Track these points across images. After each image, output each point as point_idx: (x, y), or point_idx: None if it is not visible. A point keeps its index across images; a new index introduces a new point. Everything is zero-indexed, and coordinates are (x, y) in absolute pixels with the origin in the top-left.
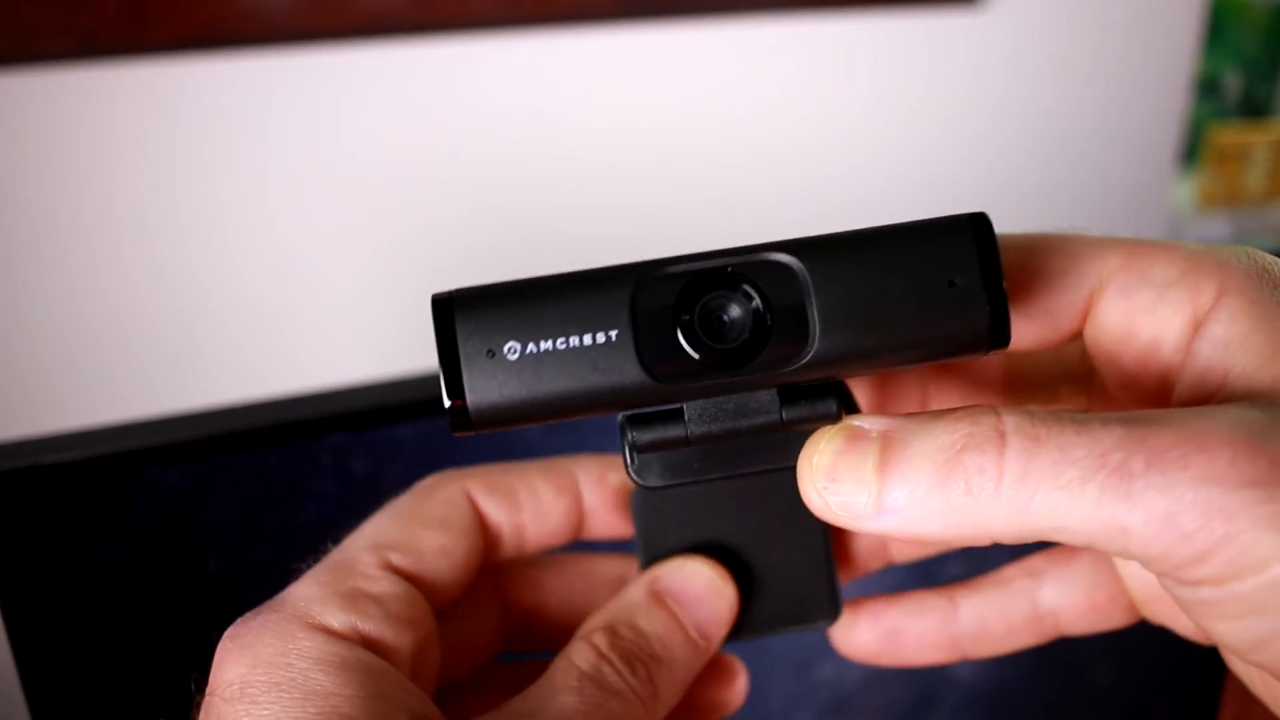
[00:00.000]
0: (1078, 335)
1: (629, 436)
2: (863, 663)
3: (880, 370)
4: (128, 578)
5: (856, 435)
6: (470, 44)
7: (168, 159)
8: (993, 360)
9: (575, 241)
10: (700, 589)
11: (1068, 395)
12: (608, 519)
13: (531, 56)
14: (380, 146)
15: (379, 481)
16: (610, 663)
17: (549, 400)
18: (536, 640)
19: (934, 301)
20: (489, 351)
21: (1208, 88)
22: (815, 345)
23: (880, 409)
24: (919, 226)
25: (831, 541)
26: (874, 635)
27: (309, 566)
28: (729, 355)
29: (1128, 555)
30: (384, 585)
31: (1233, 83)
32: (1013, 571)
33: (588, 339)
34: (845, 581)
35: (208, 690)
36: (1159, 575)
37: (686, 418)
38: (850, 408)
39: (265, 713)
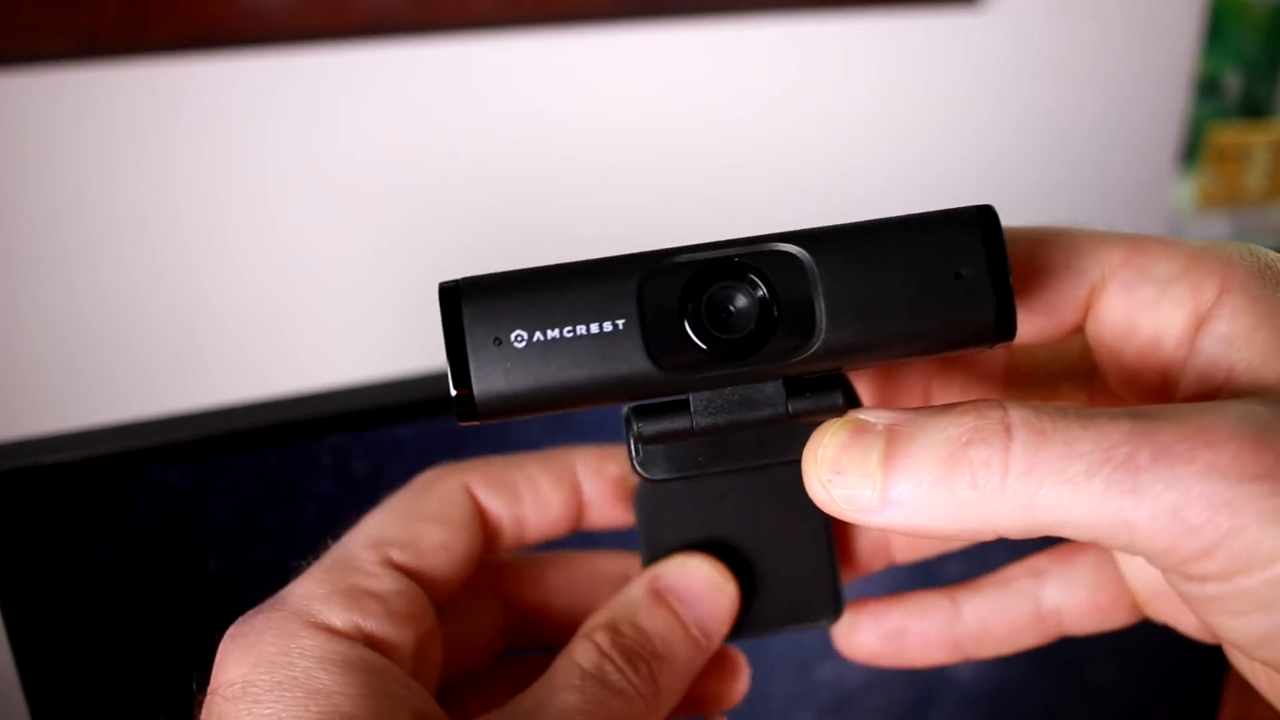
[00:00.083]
0: (1079, 329)
1: (634, 428)
2: (865, 664)
3: (885, 362)
4: (128, 578)
5: (862, 428)
6: (470, 44)
7: (168, 159)
8: (994, 356)
9: (575, 242)
10: (701, 587)
11: (1069, 391)
12: (607, 509)
13: (531, 56)
14: (380, 146)
15: (379, 481)
16: (612, 661)
17: (555, 389)
18: (539, 637)
19: (940, 293)
20: (496, 340)
21: (1208, 88)
22: (822, 336)
23: (882, 404)
24: (926, 218)
25: (834, 540)
26: (877, 636)
27: (309, 564)
28: (735, 345)
29: (1133, 550)
30: (385, 582)
31: (1233, 83)
32: (1015, 571)
33: (595, 328)
34: (847, 581)
35: (209, 689)
36: (1164, 571)
37: (692, 409)
38: (853, 401)
39: (267, 712)
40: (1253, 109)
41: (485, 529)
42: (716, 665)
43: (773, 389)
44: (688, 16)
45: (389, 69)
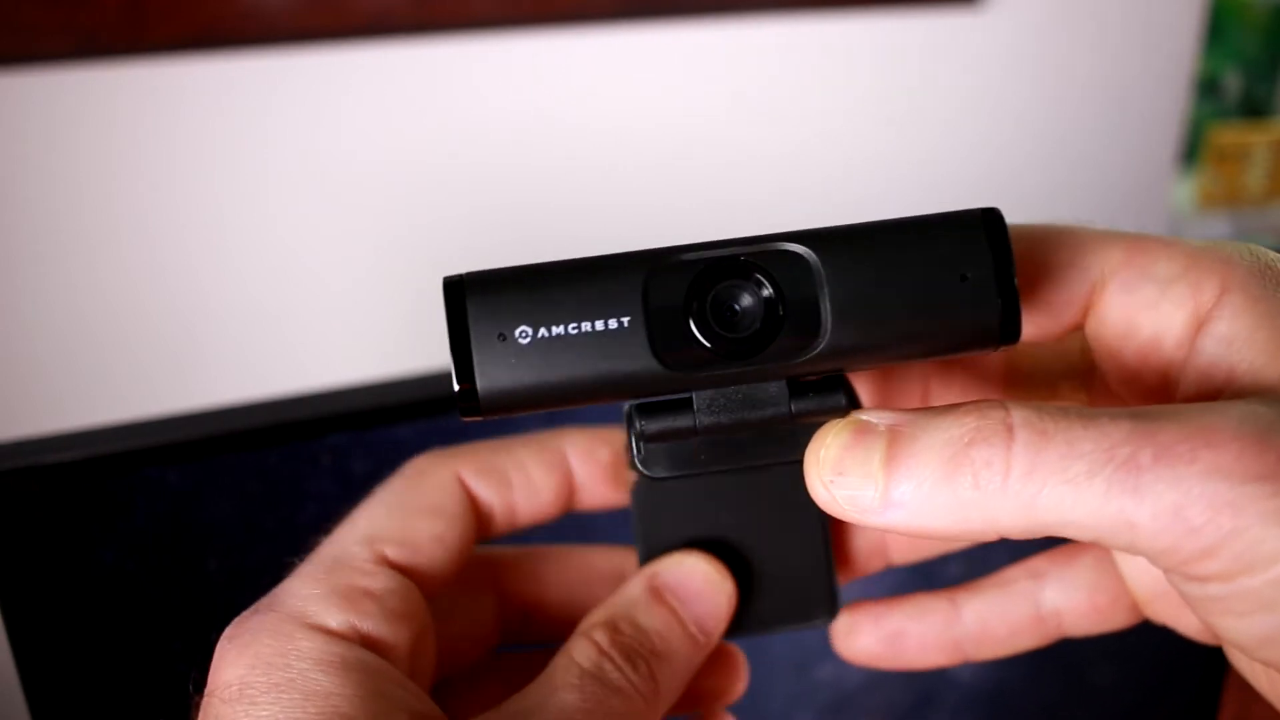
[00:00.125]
0: (1078, 328)
1: (637, 425)
2: (865, 666)
3: (889, 363)
4: (128, 578)
5: (864, 429)
6: (470, 44)
7: (168, 159)
8: (994, 356)
9: (575, 242)
10: (698, 584)
11: (1068, 391)
12: (598, 491)
13: (531, 56)
14: (380, 146)
15: (379, 481)
16: (611, 659)
17: (559, 386)
18: (534, 632)
19: (945, 295)
20: (500, 335)
21: (1208, 88)
22: (827, 336)
23: (882, 404)
24: (932, 220)
25: (830, 539)
26: (876, 638)
27: (301, 561)
28: (740, 345)
29: (1135, 550)
30: (380, 581)
31: (1233, 83)
32: (1015, 573)
33: (599, 325)
34: (844, 582)
35: (206, 691)
36: (1166, 571)
37: (695, 407)
38: (853, 403)
39: (264, 713)
40: (1253, 109)
41: (477, 517)
42: (715, 661)
43: (776, 389)
44: (688, 16)
45: (389, 69)
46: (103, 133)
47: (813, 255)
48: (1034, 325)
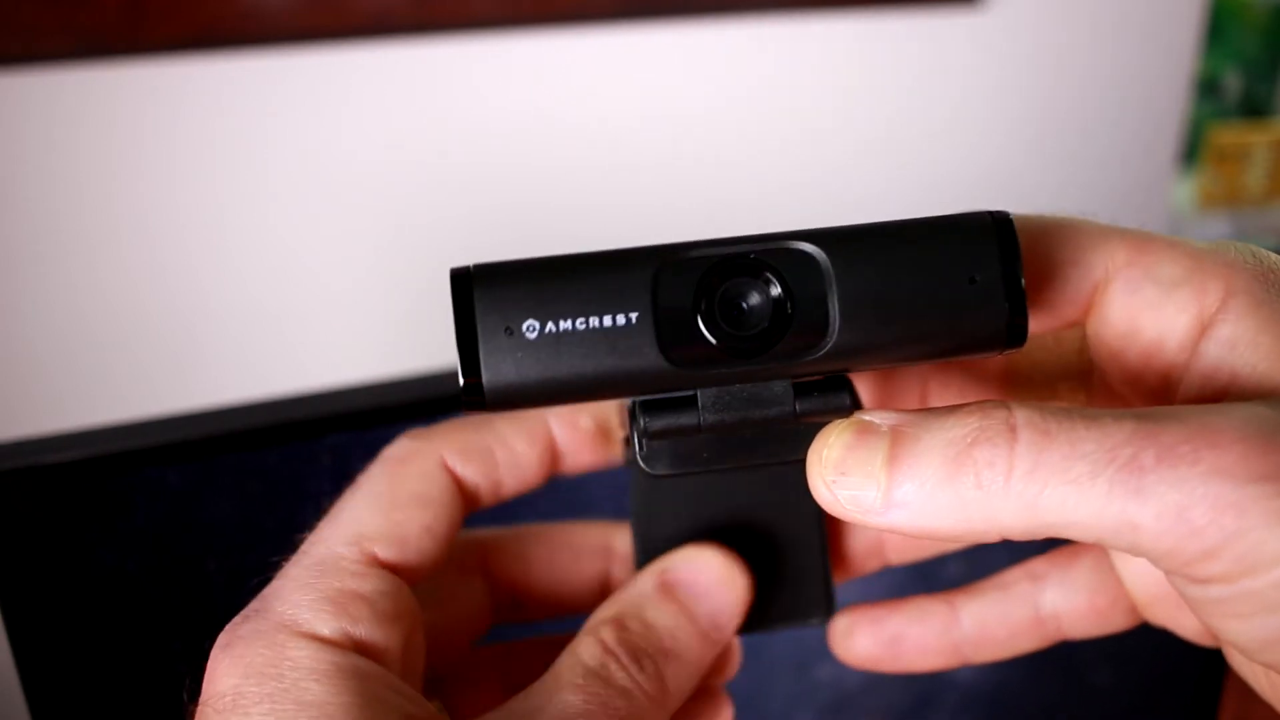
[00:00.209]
0: (1078, 324)
1: (640, 422)
2: (864, 669)
3: (895, 365)
4: (128, 578)
5: (867, 429)
6: (470, 44)
7: (168, 159)
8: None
9: (575, 241)
10: (711, 579)
11: (1067, 390)
12: (582, 457)
13: (531, 56)
14: (380, 146)
15: None
16: (617, 658)
17: (565, 381)
18: (525, 612)
19: (953, 297)
20: (507, 329)
21: (1208, 88)
22: (834, 336)
23: (881, 403)
24: (942, 222)
25: (827, 539)
26: (875, 642)
27: (287, 560)
28: (747, 343)
29: (1137, 551)
30: (371, 583)
31: (1233, 83)
32: (1014, 575)
33: (608, 320)
34: (840, 582)
35: (201, 700)
36: (1169, 573)
37: (700, 405)
38: (855, 404)
39: None
40: (1253, 109)
41: (463, 498)
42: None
43: (781, 388)
44: (688, 16)
45: (389, 69)
46: (103, 133)
47: (822, 254)
48: (1034, 321)
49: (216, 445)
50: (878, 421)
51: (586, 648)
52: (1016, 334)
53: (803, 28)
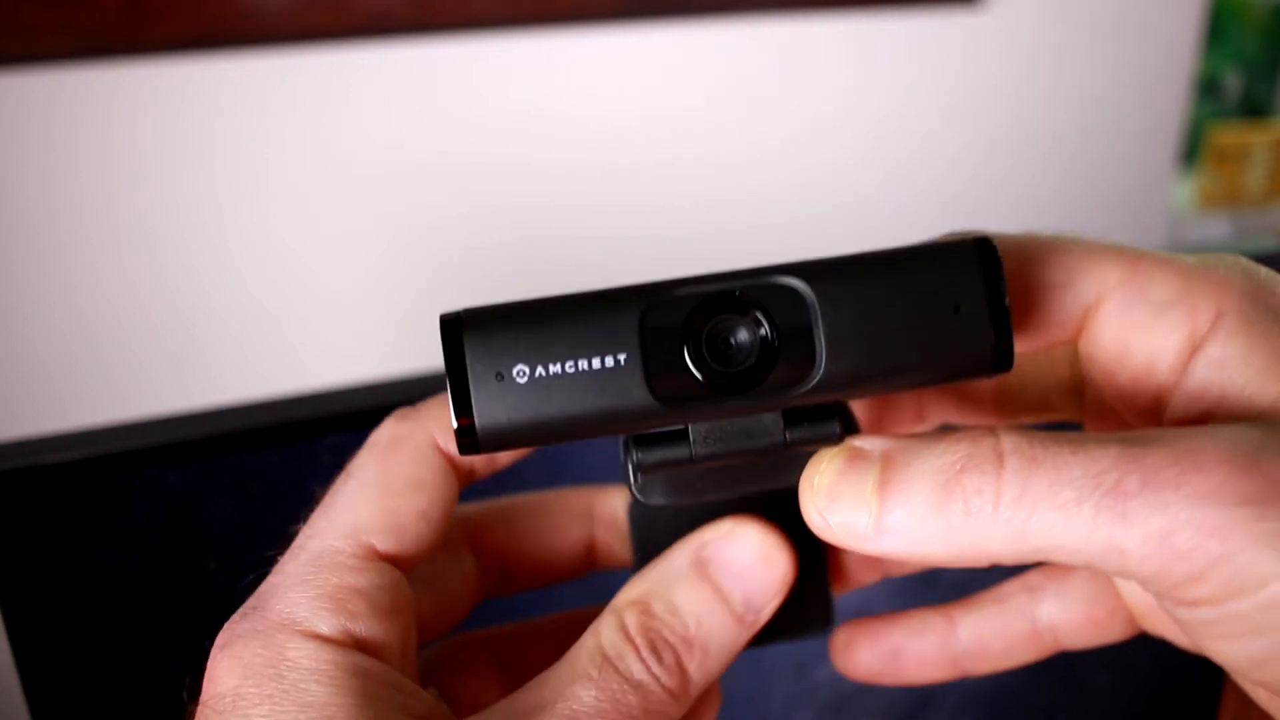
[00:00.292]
0: (1069, 343)
1: (634, 456)
2: (864, 682)
3: (883, 394)
4: (128, 578)
5: (857, 456)
6: (470, 44)
7: (168, 159)
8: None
9: (575, 241)
10: (751, 559)
11: (1060, 404)
12: None
13: (531, 56)
14: (380, 146)
15: None
16: (636, 649)
17: (556, 423)
18: (513, 584)
19: (939, 327)
20: (498, 374)
21: (1208, 88)
22: (821, 370)
23: (876, 422)
24: (925, 251)
25: (826, 552)
26: (874, 655)
27: (282, 554)
28: (735, 379)
29: (1125, 575)
30: (369, 577)
31: (1233, 83)
32: (1011, 588)
33: (596, 362)
34: (839, 594)
35: (200, 701)
36: (1157, 596)
37: (691, 439)
38: (851, 428)
39: None
40: (1253, 109)
41: (458, 476)
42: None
43: (771, 419)
44: (688, 16)
45: (389, 69)
46: (103, 133)
47: (807, 289)
48: (1024, 342)
49: (216, 445)
50: (868, 448)
51: (607, 629)
52: (1002, 360)
53: (802, 28)
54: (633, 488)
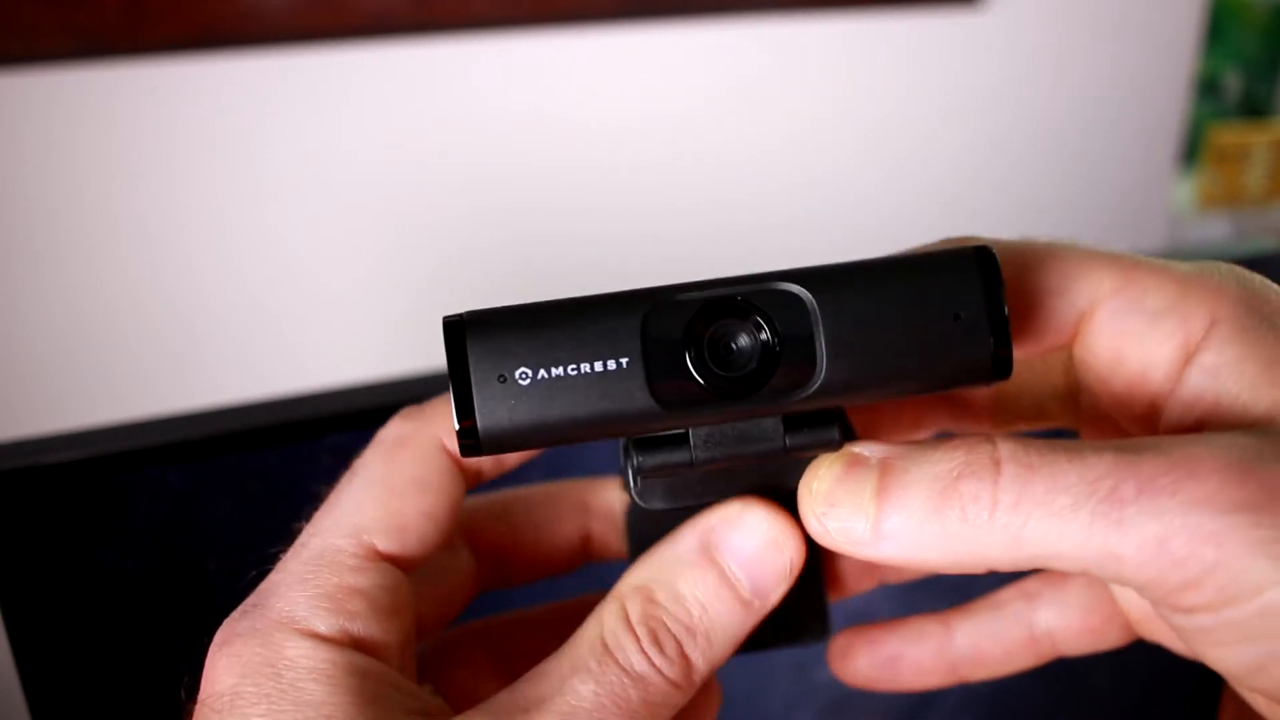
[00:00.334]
0: (1063, 349)
1: (635, 460)
2: (861, 688)
3: (882, 400)
4: (128, 578)
5: (856, 462)
6: (470, 44)
7: (168, 159)
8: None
9: (575, 241)
10: (759, 544)
11: (1055, 409)
12: None
13: (531, 56)
14: (380, 146)
15: None
16: (637, 640)
17: (558, 425)
18: (510, 578)
19: (938, 335)
20: (500, 376)
21: (1208, 88)
22: (821, 376)
23: (872, 427)
24: (925, 259)
25: (822, 560)
26: (872, 662)
27: (284, 551)
28: (736, 384)
29: (1121, 582)
30: (369, 578)
31: (1233, 83)
32: (1008, 595)
33: (599, 366)
34: (835, 601)
35: (199, 700)
36: (1154, 603)
37: (692, 443)
38: (849, 435)
39: None
40: (1253, 109)
41: (464, 477)
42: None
43: (771, 424)
44: (687, 16)
45: (389, 69)
46: (103, 133)
47: (809, 295)
48: (1019, 348)
49: (216, 445)
50: (867, 454)
51: (609, 617)
52: (1001, 368)
53: (802, 28)
54: (632, 491)
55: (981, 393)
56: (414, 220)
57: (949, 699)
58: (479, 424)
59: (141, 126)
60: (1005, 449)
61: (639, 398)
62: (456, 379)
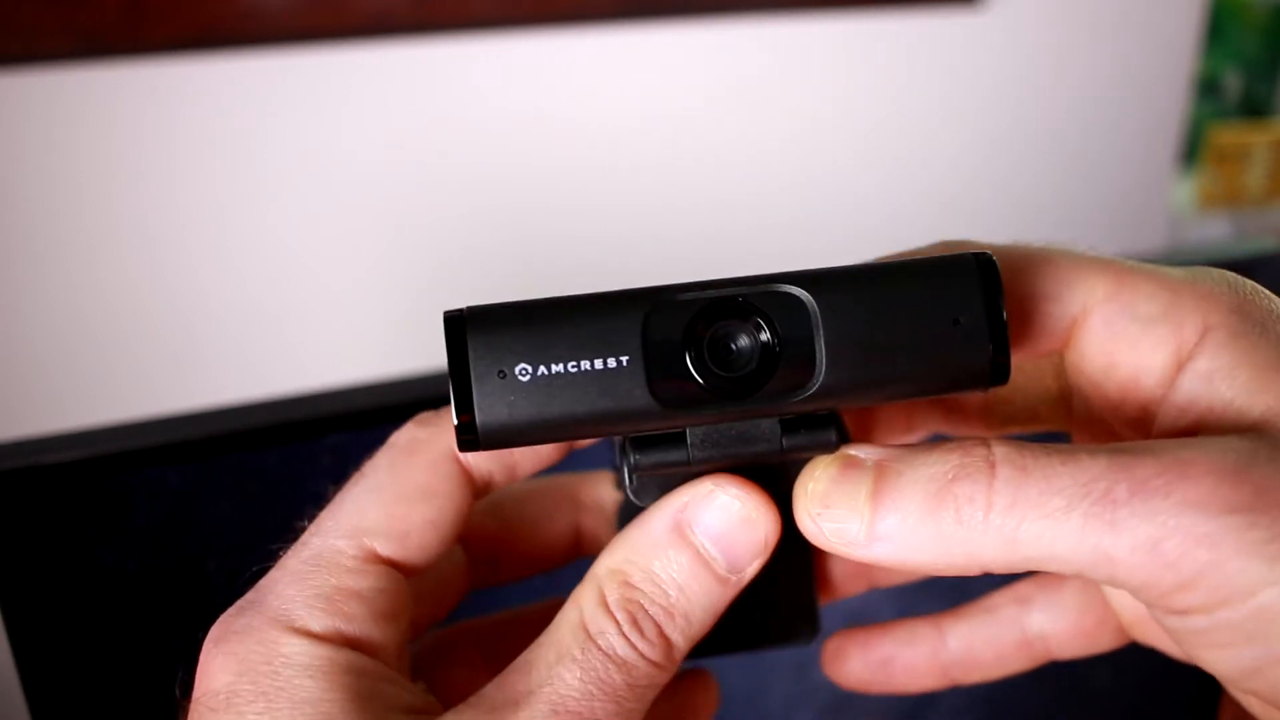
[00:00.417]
0: (1055, 354)
1: (631, 458)
2: (855, 690)
3: (880, 403)
4: (128, 578)
5: (852, 464)
6: (470, 44)
7: (168, 159)
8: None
9: (575, 241)
10: (732, 521)
11: (1048, 414)
12: None
13: (531, 56)
14: (380, 146)
15: None
16: (617, 624)
17: (557, 421)
18: (502, 573)
19: (938, 339)
20: (500, 372)
21: (1208, 88)
22: (820, 378)
23: (865, 432)
24: (926, 264)
25: (813, 563)
26: (865, 665)
27: (285, 549)
28: (736, 384)
29: (1115, 584)
30: (368, 580)
31: (1233, 83)
32: (1001, 598)
33: (599, 363)
34: (825, 603)
35: (194, 697)
36: (1148, 605)
37: (689, 442)
38: (845, 437)
39: None
40: (1253, 109)
41: (474, 487)
42: (687, 684)
43: (768, 425)
44: (687, 16)
45: (389, 69)
46: (103, 133)
47: (809, 298)
48: (1011, 352)
49: (216, 445)
50: (863, 456)
51: (588, 600)
52: (999, 373)
53: (802, 28)
54: (627, 489)
55: (974, 396)
56: (414, 220)
57: (949, 699)
58: (478, 419)
59: (141, 126)
60: (1000, 451)
61: (638, 396)
62: (456, 374)
